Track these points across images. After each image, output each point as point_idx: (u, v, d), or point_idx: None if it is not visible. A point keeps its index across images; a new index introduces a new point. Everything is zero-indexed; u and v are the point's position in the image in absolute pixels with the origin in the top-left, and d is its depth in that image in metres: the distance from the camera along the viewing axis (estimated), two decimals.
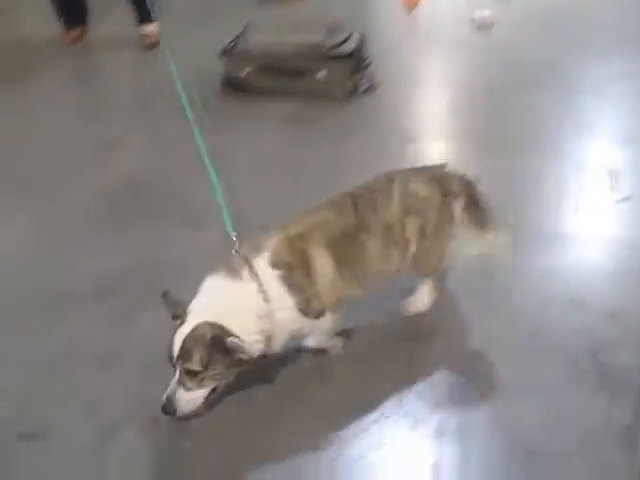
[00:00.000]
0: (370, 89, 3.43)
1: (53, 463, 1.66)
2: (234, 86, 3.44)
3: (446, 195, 1.90)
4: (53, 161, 2.97)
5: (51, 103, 3.48)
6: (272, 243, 1.70)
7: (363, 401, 1.80)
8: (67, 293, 2.21)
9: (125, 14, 4.11)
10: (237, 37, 3.57)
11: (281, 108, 3.32)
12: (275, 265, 1.67)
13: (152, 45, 3.96)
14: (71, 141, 3.13)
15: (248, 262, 1.67)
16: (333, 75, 3.32)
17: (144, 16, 3.95)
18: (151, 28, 3.99)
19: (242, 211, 2.54)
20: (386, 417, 1.75)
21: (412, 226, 1.85)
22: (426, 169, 2.01)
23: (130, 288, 2.23)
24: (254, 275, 1.64)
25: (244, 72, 3.40)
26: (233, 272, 1.66)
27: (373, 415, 1.76)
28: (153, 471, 1.65)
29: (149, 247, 2.41)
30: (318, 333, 1.88)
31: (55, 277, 2.28)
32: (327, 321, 1.81)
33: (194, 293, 1.66)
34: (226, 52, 3.47)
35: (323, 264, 1.71)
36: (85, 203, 2.67)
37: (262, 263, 1.67)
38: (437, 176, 1.95)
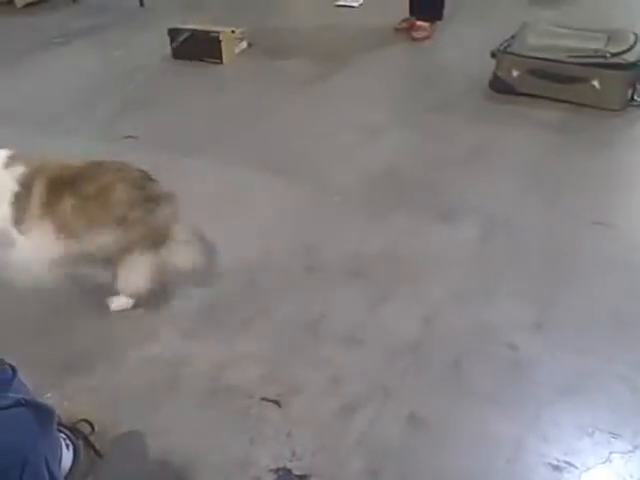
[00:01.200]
0: None
1: (294, 427, 1.76)
2: (502, 87, 3.40)
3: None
4: (319, 144, 3.10)
5: (328, 89, 3.65)
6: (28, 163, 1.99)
7: None
8: (321, 268, 2.32)
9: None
10: (510, 38, 3.54)
11: (546, 114, 3.22)
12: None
13: (424, 39, 4.03)
14: (338, 126, 3.25)
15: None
16: (610, 84, 3.18)
17: (426, 13, 4.03)
18: (426, 24, 4.07)
19: (495, 212, 2.55)
20: None
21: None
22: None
23: (379, 273, 2.29)
24: None
25: (514, 74, 3.36)
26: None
27: None
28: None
29: (401, 236, 2.45)
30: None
31: (311, 252, 2.40)
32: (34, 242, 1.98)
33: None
34: (498, 53, 3.44)
35: (38, 191, 1.96)
36: (344, 186, 2.76)
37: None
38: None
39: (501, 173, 2.82)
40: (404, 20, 4.24)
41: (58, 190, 1.99)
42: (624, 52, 3.21)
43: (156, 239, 2.07)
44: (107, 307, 2.14)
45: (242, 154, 3.03)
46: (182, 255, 2.12)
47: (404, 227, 2.50)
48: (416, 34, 4.09)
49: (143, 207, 2.03)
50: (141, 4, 4.98)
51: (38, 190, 1.99)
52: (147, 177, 2.08)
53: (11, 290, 2.03)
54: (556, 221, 2.51)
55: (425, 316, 2.07)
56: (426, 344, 1.98)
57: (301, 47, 4.20)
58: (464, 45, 3.93)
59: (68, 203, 1.98)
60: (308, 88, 3.64)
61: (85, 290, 2.23)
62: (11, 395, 1.33)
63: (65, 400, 1.77)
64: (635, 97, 3.23)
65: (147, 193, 2.05)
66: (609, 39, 3.32)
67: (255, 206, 2.67)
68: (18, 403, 1.29)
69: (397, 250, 2.38)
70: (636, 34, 3.36)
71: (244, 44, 4.11)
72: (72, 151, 3.05)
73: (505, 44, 3.50)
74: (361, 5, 4.85)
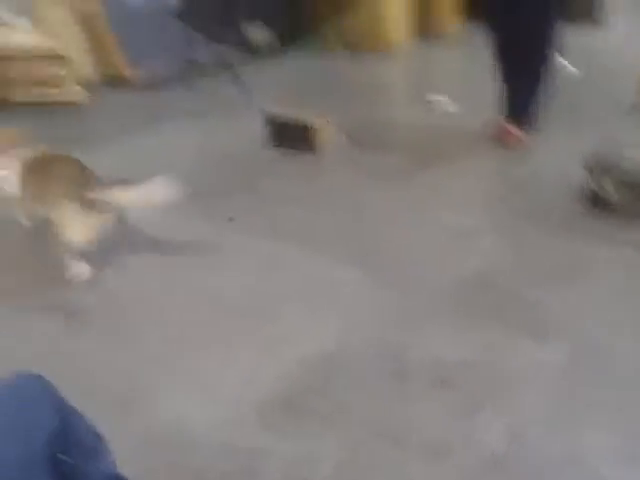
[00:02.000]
0: None
1: None
2: (596, 201, 3.35)
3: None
4: (408, 242, 3.13)
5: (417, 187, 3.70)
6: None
7: None
8: (403, 372, 2.30)
9: None
10: (605, 149, 3.51)
11: None
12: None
13: (517, 144, 4.06)
14: (428, 225, 3.28)
15: None
16: None
17: (521, 119, 4.07)
18: (519, 131, 4.09)
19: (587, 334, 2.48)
20: None
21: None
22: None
23: (463, 384, 2.26)
24: None
25: (608, 188, 3.32)
26: None
27: None
28: None
29: (488, 347, 2.41)
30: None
31: (394, 353, 2.38)
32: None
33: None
34: (592, 165, 3.41)
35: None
36: (432, 288, 2.76)
37: None
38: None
39: (595, 294, 2.74)
40: (497, 124, 4.27)
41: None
42: None
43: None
44: None
45: (331, 244, 3.08)
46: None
47: (492, 338, 2.47)
48: (509, 139, 4.11)
49: None
50: (244, 93, 5.16)
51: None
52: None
53: None
54: None
55: (509, 434, 2.03)
56: (510, 463, 1.93)
57: (393, 141, 4.28)
58: (558, 153, 3.92)
59: None
60: (398, 183, 3.69)
61: None
62: (101, 467, 1.34)
63: None
64: None
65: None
66: None
67: (339, 298, 2.69)
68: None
69: (483, 361, 2.35)
70: None
71: (338, 134, 4.21)
72: (176, 226, 3.19)
73: (600, 156, 3.47)
74: (456, 105, 4.92)
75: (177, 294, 2.78)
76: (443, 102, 4.91)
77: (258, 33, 6.21)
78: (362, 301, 2.69)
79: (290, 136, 4.10)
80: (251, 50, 6.07)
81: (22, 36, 4.73)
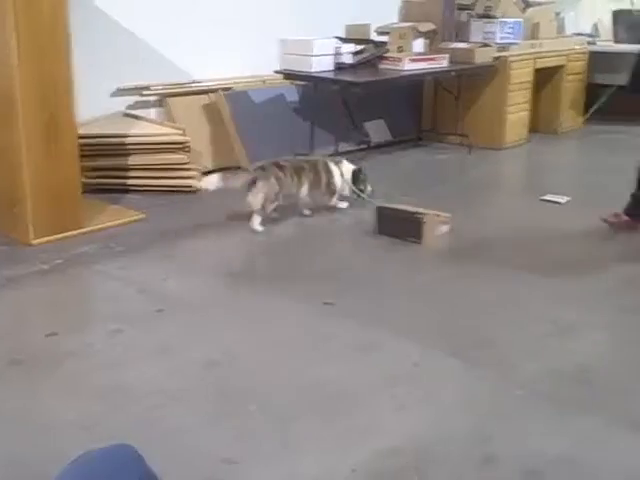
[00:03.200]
0: None
1: None
2: None
3: None
4: (507, 333, 3.09)
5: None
6: None
7: None
8: (496, 462, 2.23)
9: None
10: None
11: None
12: None
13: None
14: (529, 318, 3.24)
15: None
16: None
17: None
18: None
19: None
20: None
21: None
22: None
23: (557, 478, 2.18)
24: None
25: None
26: None
27: None
28: None
29: (586, 442, 2.32)
30: None
31: (487, 443, 2.33)
32: None
33: None
34: None
35: None
36: (529, 380, 2.70)
37: None
38: None
39: None
40: (616, 214, 4.24)
41: None
42: None
43: None
44: None
45: (428, 333, 3.07)
46: None
47: (590, 432, 2.38)
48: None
49: None
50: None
51: None
52: None
53: None
54: None
55: None
56: None
57: (500, 238, 4.27)
58: None
59: None
60: (503, 277, 3.67)
61: None
62: None
63: None
64: None
65: None
66: None
67: (434, 388, 2.67)
68: None
69: (580, 456, 2.26)
70: None
71: (446, 228, 4.25)
72: (273, 308, 3.27)
73: None
74: (568, 202, 4.88)
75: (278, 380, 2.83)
76: (558, 200, 4.89)
77: (378, 131, 6.41)
78: (456, 391, 2.66)
79: (397, 226, 4.18)
80: (370, 146, 6.26)
81: (149, 125, 5.09)
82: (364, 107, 6.13)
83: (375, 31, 6.28)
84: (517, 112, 6.57)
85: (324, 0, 5.86)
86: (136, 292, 3.50)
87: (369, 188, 4.75)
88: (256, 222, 4.27)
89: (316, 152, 5.65)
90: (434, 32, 6.24)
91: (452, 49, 6.13)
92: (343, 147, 6.00)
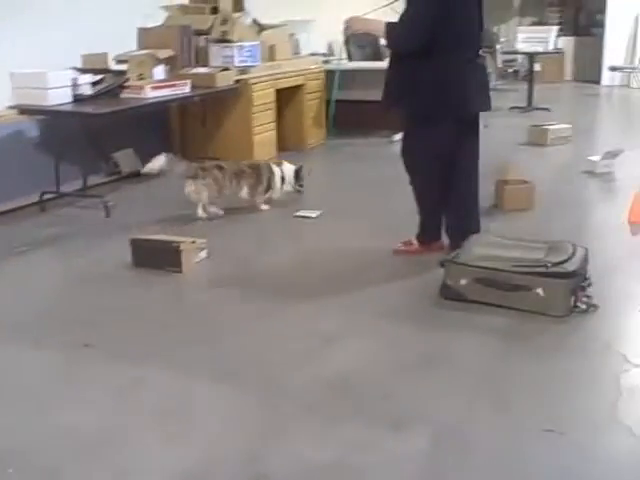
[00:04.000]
0: (590, 309, 3.37)
1: None
2: (451, 295, 3.53)
3: None
4: (272, 351, 3.15)
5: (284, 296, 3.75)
6: None
7: None
8: (266, 477, 2.28)
9: None
10: (459, 248, 3.73)
11: (495, 321, 3.33)
12: None
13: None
14: (292, 333, 3.32)
15: None
16: (552, 292, 3.31)
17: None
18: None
19: (446, 420, 2.55)
20: None
21: None
22: None
23: None
24: None
25: (462, 283, 3.50)
26: None
27: None
28: None
29: (352, 446, 2.42)
30: None
31: (259, 461, 2.36)
32: None
33: None
34: (446, 262, 3.60)
35: None
36: (297, 393, 2.78)
37: None
38: None
39: (452, 380, 2.86)
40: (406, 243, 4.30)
41: None
42: (564, 262, 3.38)
43: None
44: None
45: (195, 362, 3.05)
46: None
47: (356, 436, 2.49)
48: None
49: None
50: (107, 215, 5.17)
51: None
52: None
53: None
54: (507, 430, 2.51)
55: None
56: None
57: (260, 257, 4.34)
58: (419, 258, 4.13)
59: None
60: (263, 296, 3.74)
61: None
62: None
63: None
64: (578, 304, 3.35)
65: None
66: (549, 249, 3.50)
67: (202, 415, 2.65)
68: None
69: (348, 461, 2.36)
70: (574, 245, 3.56)
71: (204, 254, 4.25)
72: (36, 362, 3.08)
73: (454, 254, 3.67)
74: (320, 215, 5.08)
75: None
76: (311, 215, 5.08)
77: (128, 160, 6.27)
78: (226, 416, 2.67)
79: (155, 256, 4.10)
80: (120, 177, 6.10)
81: None
82: (111, 137, 5.97)
83: (113, 60, 6.14)
84: (264, 132, 6.74)
85: (57, 30, 5.62)
86: None
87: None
88: (200, 211, 5.03)
89: (62, 187, 5.42)
90: (174, 58, 6.23)
91: (193, 74, 6.15)
92: (93, 180, 5.81)
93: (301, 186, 5.41)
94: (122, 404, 2.76)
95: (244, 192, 5.15)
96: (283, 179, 5.32)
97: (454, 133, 3.96)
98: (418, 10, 3.81)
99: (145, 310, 3.62)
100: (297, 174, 5.39)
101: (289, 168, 5.38)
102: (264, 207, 5.29)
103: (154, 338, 3.30)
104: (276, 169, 5.29)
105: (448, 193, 4.11)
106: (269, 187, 5.27)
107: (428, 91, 3.85)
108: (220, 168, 5.05)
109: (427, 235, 4.25)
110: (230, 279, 4.00)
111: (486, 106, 4.06)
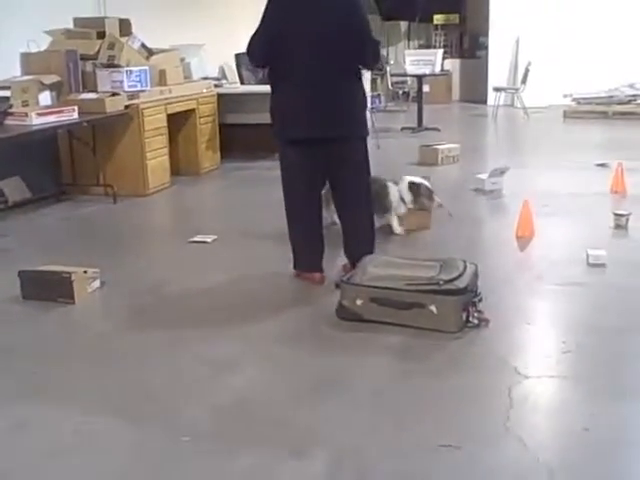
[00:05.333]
0: (481, 324, 3.46)
1: None
2: (348, 315, 3.56)
3: None
4: (167, 382, 3.09)
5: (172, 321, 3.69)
6: None
7: None
8: None
9: None
10: (355, 269, 3.77)
11: (391, 339, 3.37)
12: None
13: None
14: (181, 362, 3.27)
15: None
16: (445, 309, 3.39)
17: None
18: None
19: (345, 443, 2.56)
20: None
21: None
22: None
23: None
24: None
25: (358, 303, 3.53)
26: None
27: None
28: None
29: (251, 475, 2.41)
30: None
31: None
32: None
33: None
34: (342, 283, 3.64)
35: None
36: (194, 424, 2.73)
37: None
38: None
39: (350, 403, 2.86)
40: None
41: None
42: (455, 279, 3.46)
43: None
44: None
45: (90, 396, 2.96)
46: None
47: (256, 466, 2.46)
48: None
49: None
50: None
51: None
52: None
53: None
54: (406, 448, 2.54)
55: None
56: None
57: (154, 286, 4.24)
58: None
59: None
60: (159, 326, 3.67)
61: None
62: None
63: None
64: (470, 319, 3.44)
65: None
66: (441, 267, 3.58)
67: (98, 451, 2.57)
68: None
69: None
70: (465, 262, 3.66)
71: (97, 283, 4.13)
72: None
73: (349, 275, 3.71)
74: (215, 240, 5.04)
75: None
76: (206, 240, 5.02)
77: (15, 189, 6.05)
78: (124, 452, 2.59)
79: (45, 288, 3.97)
80: (8, 206, 5.88)
81: None
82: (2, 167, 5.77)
83: None
84: (157, 157, 6.65)
85: None
86: None
87: (437, 200, 4.87)
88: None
89: None
90: (60, 84, 6.08)
91: (81, 100, 6.02)
92: None
93: (423, 204, 4.98)
94: (9, 446, 2.64)
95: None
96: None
97: (299, 158, 3.93)
98: (258, 27, 3.87)
99: (34, 344, 3.48)
100: (413, 189, 4.98)
101: (406, 184, 5.00)
102: (397, 230, 4.99)
103: (44, 373, 3.18)
104: (391, 185, 4.95)
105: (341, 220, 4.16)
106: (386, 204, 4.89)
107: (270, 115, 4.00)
108: None
109: (301, 263, 4.17)
110: (123, 309, 3.91)
111: (318, 132, 3.87)
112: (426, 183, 5.04)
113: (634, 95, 11.21)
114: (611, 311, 3.67)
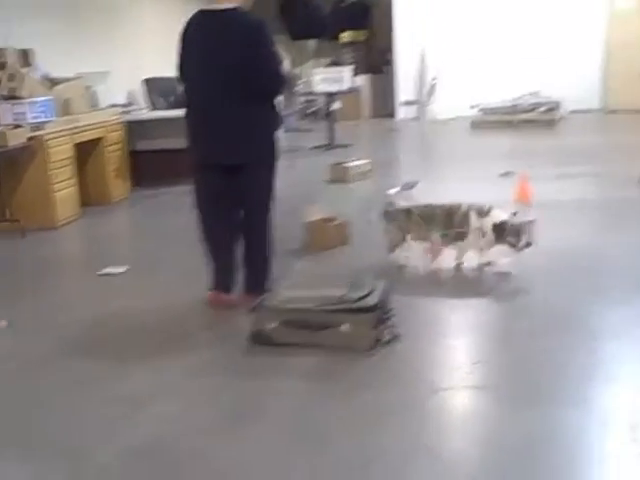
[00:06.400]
0: (394, 340, 3.51)
1: None
2: (260, 340, 3.55)
3: None
4: (75, 422, 3.02)
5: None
6: None
7: None
8: None
9: None
10: (267, 293, 3.78)
11: (304, 362, 3.38)
12: None
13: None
14: (96, 402, 3.19)
15: None
16: (357, 327, 3.42)
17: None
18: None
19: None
20: None
21: None
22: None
23: None
24: None
25: (270, 326, 3.53)
26: None
27: None
28: None
29: None
30: None
31: None
32: None
33: None
34: (255, 307, 3.64)
35: None
36: (105, 466, 2.67)
37: None
38: None
39: (267, 431, 2.85)
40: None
41: None
42: (365, 296, 3.51)
43: None
44: None
45: None
46: None
47: None
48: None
49: None
50: None
51: None
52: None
53: None
54: (326, 469, 2.56)
55: None
56: None
57: (62, 322, 4.13)
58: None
59: None
60: (61, 367, 3.57)
61: None
62: None
63: None
64: (382, 336, 3.49)
65: None
66: (351, 286, 3.62)
67: None
68: None
69: None
70: (375, 279, 3.71)
71: (3, 323, 4.02)
72: None
73: (261, 298, 3.71)
74: (127, 271, 4.95)
75: None
76: (116, 272, 4.92)
77: None
78: None
79: None
80: None
81: None
82: None
83: None
84: (65, 189, 6.50)
85: None
86: None
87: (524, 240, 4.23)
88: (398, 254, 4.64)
89: None
90: None
91: None
92: None
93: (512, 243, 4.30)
94: None
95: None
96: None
97: (205, 179, 4.04)
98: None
99: None
100: (498, 229, 4.32)
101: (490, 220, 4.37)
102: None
103: None
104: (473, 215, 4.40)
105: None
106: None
107: None
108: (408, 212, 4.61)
109: (213, 282, 4.15)
110: (32, 348, 3.79)
111: (214, 158, 3.97)
112: (514, 220, 4.37)
113: (536, 103, 11.62)
114: (521, 317, 3.78)
